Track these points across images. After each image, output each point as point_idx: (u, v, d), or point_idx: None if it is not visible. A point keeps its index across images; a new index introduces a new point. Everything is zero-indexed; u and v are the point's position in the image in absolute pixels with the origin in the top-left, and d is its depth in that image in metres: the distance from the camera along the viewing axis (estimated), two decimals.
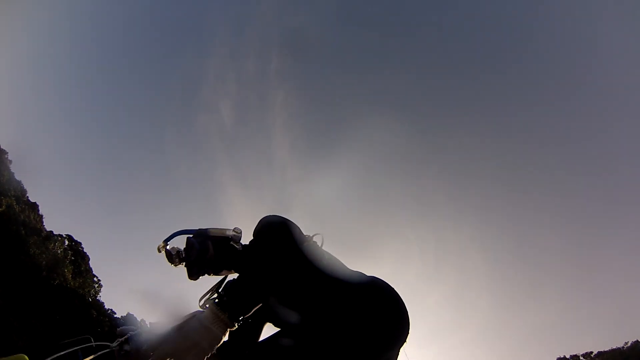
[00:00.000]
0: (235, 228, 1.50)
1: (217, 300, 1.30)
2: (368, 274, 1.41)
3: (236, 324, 1.29)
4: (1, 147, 35.46)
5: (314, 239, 1.50)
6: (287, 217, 1.42)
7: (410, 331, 1.29)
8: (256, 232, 1.42)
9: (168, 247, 1.48)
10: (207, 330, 1.22)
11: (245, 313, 1.29)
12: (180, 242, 1.51)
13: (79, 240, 35.82)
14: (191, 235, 1.49)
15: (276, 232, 1.36)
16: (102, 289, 35.72)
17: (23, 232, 29.43)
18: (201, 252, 1.44)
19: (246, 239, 1.57)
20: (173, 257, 1.47)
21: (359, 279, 1.37)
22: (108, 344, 1.37)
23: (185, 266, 1.48)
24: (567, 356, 45.22)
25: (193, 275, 1.45)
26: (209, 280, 1.49)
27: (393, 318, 1.28)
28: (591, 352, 44.16)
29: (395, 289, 1.34)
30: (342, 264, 1.44)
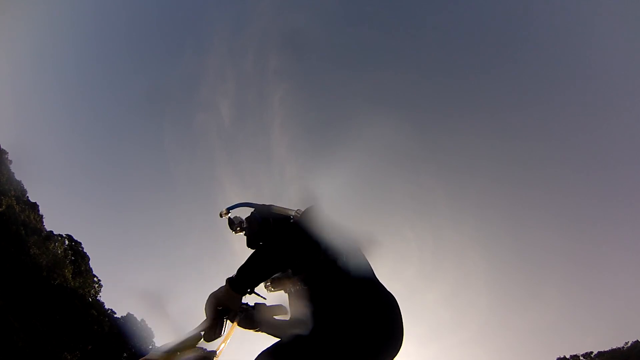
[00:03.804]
0: (297, 210, 1.61)
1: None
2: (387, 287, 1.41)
3: (242, 293, 1.36)
4: (1, 147, 35.52)
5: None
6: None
7: (403, 342, 1.30)
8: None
9: (231, 216, 1.60)
10: (209, 299, 1.35)
11: (249, 284, 1.36)
12: (239, 213, 1.65)
13: (79, 240, 35.90)
14: (254, 210, 1.60)
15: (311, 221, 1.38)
16: (102, 289, 35.81)
17: (23, 232, 29.43)
18: (262, 225, 1.56)
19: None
20: (235, 225, 1.60)
21: (362, 283, 1.37)
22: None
23: (245, 235, 1.62)
24: (567, 356, 45.26)
25: (251, 244, 1.58)
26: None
27: (387, 329, 1.28)
28: (591, 352, 44.17)
29: (395, 298, 1.35)
30: (370, 268, 1.45)
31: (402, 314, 1.34)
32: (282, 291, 1.56)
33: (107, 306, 34.56)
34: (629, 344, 41.32)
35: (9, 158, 36.17)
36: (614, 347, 42.56)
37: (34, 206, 35.65)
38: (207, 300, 1.35)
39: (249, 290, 1.37)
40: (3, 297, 22.07)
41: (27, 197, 36.26)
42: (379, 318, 1.27)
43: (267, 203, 1.63)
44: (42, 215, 35.97)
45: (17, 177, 36.10)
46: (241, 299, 1.36)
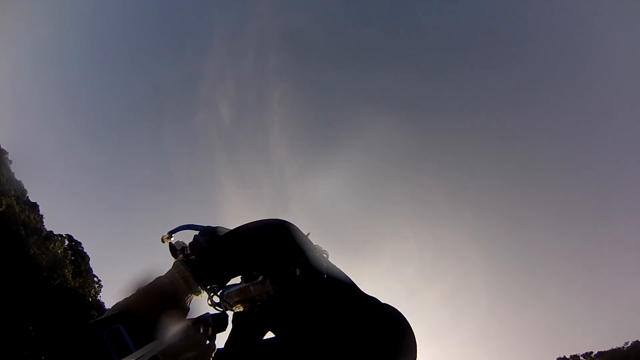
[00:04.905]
0: None
1: (184, 260, 1.14)
2: (382, 301, 1.29)
3: (202, 288, 1.11)
4: (1, 147, 35.52)
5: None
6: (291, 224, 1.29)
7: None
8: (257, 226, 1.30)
9: (173, 241, 1.40)
10: (164, 285, 1.03)
11: (216, 277, 1.13)
12: (184, 237, 1.42)
13: (79, 240, 35.90)
14: (198, 232, 1.39)
15: (280, 231, 1.21)
16: (102, 289, 35.81)
17: (23, 232, 29.42)
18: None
19: None
20: (177, 251, 1.38)
21: (374, 305, 1.25)
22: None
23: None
24: (567, 356, 45.26)
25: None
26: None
27: (404, 351, 1.17)
28: (591, 352, 44.19)
29: (406, 319, 1.24)
30: (354, 283, 1.31)
31: (409, 327, 1.21)
32: (241, 306, 1.31)
33: (107, 306, 34.54)
34: (629, 344, 41.33)
35: (9, 158, 36.19)
36: (614, 347, 42.60)
37: (34, 206, 35.63)
38: (145, 294, 1.01)
39: (214, 285, 1.10)
40: (3, 297, 22.05)
41: (27, 197, 36.26)
42: (384, 340, 1.14)
43: (212, 225, 1.42)
44: (42, 215, 35.98)
45: (17, 177, 36.15)
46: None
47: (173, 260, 1.36)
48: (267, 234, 1.17)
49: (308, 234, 1.32)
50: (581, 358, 44.46)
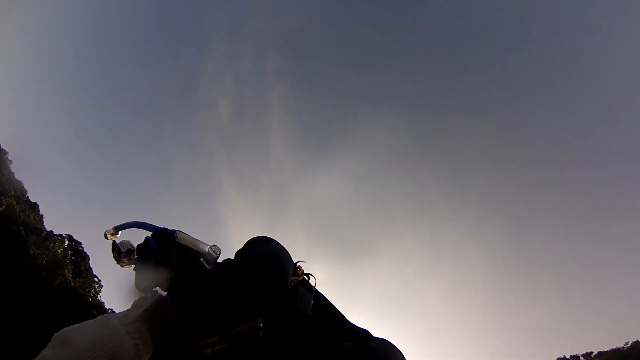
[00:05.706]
0: (213, 245, 1.13)
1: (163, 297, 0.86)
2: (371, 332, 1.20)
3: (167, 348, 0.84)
4: (1, 147, 35.53)
5: (303, 270, 1.19)
6: (281, 246, 1.11)
7: None
8: (249, 262, 1.05)
9: (118, 239, 1.13)
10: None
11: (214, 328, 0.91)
12: (132, 237, 1.17)
13: (79, 240, 35.92)
14: (151, 235, 1.14)
15: (271, 277, 0.99)
16: (102, 289, 35.82)
17: (23, 232, 29.44)
18: (159, 260, 1.07)
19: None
20: (121, 255, 1.10)
21: (364, 339, 1.15)
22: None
23: (134, 270, 1.11)
24: (567, 356, 45.30)
25: (142, 285, 1.07)
26: None
27: None
28: (591, 352, 44.22)
29: (401, 353, 1.15)
30: (343, 314, 1.21)
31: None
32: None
33: (107, 306, 34.60)
34: (629, 344, 41.35)
35: (9, 158, 36.20)
36: (614, 347, 42.61)
37: (34, 206, 35.64)
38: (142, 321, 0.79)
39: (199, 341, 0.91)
40: (3, 297, 22.07)
41: (27, 197, 36.28)
42: None
43: (170, 227, 1.15)
44: (42, 215, 35.99)
45: (17, 177, 36.18)
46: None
47: (116, 264, 1.12)
48: (262, 276, 0.97)
49: (297, 262, 1.15)
50: (581, 358, 44.49)
